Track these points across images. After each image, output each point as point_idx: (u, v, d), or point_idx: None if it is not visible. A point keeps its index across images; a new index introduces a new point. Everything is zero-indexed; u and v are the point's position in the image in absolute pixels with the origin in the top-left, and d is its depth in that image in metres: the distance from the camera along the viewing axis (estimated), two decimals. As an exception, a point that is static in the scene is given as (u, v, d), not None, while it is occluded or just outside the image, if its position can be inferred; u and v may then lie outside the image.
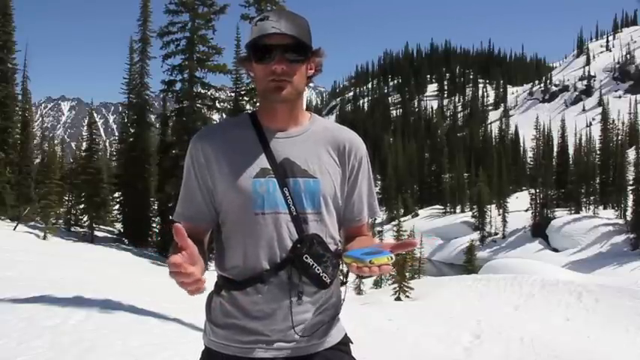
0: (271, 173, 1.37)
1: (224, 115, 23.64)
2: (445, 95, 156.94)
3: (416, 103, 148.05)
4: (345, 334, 1.51)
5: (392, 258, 1.18)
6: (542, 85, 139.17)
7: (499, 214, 58.25)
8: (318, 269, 1.34)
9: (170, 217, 19.82)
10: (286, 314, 1.36)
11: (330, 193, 1.42)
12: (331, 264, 1.38)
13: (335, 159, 1.45)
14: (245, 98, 23.60)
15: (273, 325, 1.36)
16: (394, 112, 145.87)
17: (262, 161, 1.38)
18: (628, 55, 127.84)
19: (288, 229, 1.36)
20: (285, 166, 1.38)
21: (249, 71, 1.42)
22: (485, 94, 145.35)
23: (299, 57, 1.35)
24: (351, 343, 1.52)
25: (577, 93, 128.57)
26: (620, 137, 66.50)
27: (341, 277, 1.48)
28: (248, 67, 1.40)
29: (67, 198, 31.86)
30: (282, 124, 1.43)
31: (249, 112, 1.49)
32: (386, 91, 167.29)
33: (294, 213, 1.36)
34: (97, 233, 25.79)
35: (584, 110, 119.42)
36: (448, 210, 70.90)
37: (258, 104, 1.54)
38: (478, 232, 59.48)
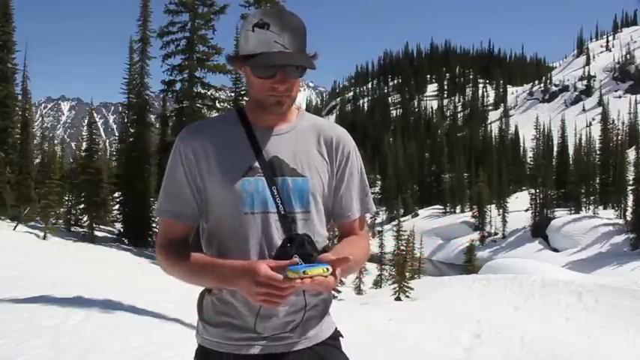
0: (260, 172, 1.37)
1: (224, 115, 23.61)
2: (445, 95, 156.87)
3: (416, 103, 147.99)
4: (336, 329, 1.52)
5: (328, 270, 1.18)
6: (542, 85, 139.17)
7: (499, 214, 58.18)
8: None
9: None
10: (276, 312, 1.36)
11: (319, 190, 1.42)
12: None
13: (323, 154, 1.46)
14: (245, 98, 23.59)
15: (264, 322, 1.37)
16: (394, 112, 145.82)
17: (251, 160, 1.38)
18: (628, 55, 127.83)
19: (276, 228, 1.36)
20: (274, 165, 1.38)
21: (239, 69, 1.40)
22: (485, 94, 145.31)
23: (300, 73, 1.34)
24: (342, 337, 1.53)
25: (577, 93, 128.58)
26: (620, 137, 66.37)
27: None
28: (239, 66, 1.38)
29: (67, 198, 31.84)
30: (271, 122, 1.43)
31: (237, 108, 1.48)
32: (386, 91, 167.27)
33: (282, 212, 1.36)
34: (97, 233, 25.76)
35: (584, 110, 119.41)
36: (448, 210, 70.80)
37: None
38: (478, 232, 59.45)
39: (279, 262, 1.20)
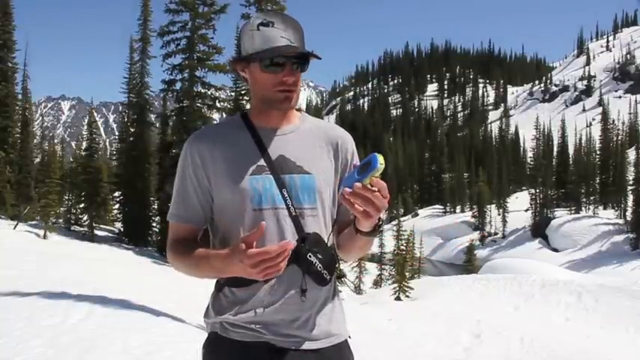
0: (267, 170, 1.40)
1: (224, 115, 23.61)
2: (445, 95, 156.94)
3: (416, 103, 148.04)
4: (345, 328, 1.53)
5: (382, 164, 1.20)
6: (542, 85, 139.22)
7: (499, 214, 58.22)
8: (319, 267, 1.38)
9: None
10: (288, 310, 1.38)
11: (324, 188, 1.45)
12: (330, 260, 1.41)
13: (328, 155, 1.49)
14: (245, 98, 23.56)
15: (275, 318, 1.38)
16: (394, 112, 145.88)
17: (258, 159, 1.41)
18: (628, 55, 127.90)
19: (286, 224, 1.39)
20: (280, 163, 1.42)
21: (241, 72, 1.44)
22: (485, 94, 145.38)
23: (305, 67, 1.39)
24: (349, 337, 1.54)
25: (577, 93, 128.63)
26: (620, 137, 66.37)
27: (337, 272, 1.51)
28: (243, 68, 1.42)
29: (67, 197, 31.84)
30: (275, 123, 1.46)
31: (241, 112, 1.51)
32: (386, 91, 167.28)
33: (292, 208, 1.39)
34: (97, 232, 25.74)
35: (584, 110, 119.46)
36: (448, 210, 70.84)
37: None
38: (478, 231, 59.46)
39: (251, 237, 1.21)
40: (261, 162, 1.41)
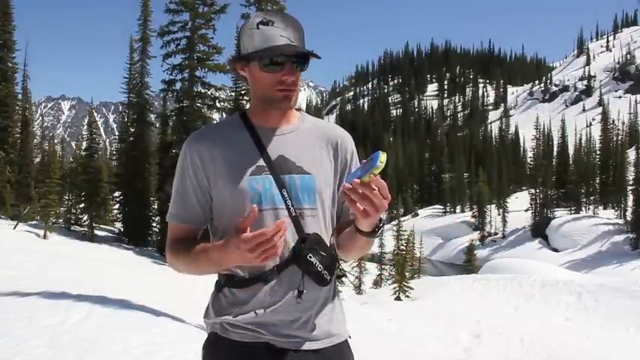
0: (267, 170, 1.39)
1: (224, 115, 23.61)
2: (445, 95, 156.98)
3: (416, 103, 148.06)
4: (345, 328, 1.53)
5: (382, 162, 1.20)
6: (542, 85, 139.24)
7: (499, 214, 58.23)
8: (320, 267, 1.37)
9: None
10: (288, 310, 1.38)
11: (324, 188, 1.44)
12: (331, 261, 1.41)
13: (327, 155, 1.48)
14: (245, 98, 23.57)
15: (275, 319, 1.38)
16: (394, 112, 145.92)
17: (258, 159, 1.40)
18: (628, 55, 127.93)
19: (287, 224, 1.37)
20: (280, 163, 1.41)
21: (240, 71, 1.43)
22: (485, 94, 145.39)
23: (305, 66, 1.38)
24: (349, 337, 1.54)
25: (577, 93, 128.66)
26: (620, 137, 66.38)
27: (337, 272, 1.51)
28: (242, 67, 1.41)
29: (67, 197, 31.86)
30: (274, 123, 1.45)
31: (240, 112, 1.50)
32: (386, 91, 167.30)
33: (292, 208, 1.38)
34: (97, 232, 25.75)
35: (584, 110, 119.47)
36: (448, 210, 70.86)
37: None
38: (478, 231, 59.46)
39: (245, 222, 1.21)
40: (261, 162, 1.40)
